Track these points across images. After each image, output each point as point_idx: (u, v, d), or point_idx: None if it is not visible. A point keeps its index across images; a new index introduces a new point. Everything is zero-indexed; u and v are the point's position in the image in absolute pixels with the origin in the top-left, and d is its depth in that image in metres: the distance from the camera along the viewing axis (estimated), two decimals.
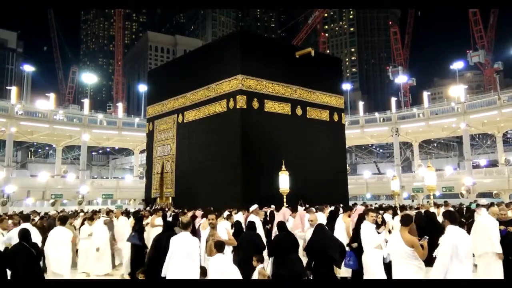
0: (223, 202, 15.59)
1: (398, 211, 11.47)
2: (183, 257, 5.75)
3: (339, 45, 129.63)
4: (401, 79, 63.92)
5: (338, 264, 6.69)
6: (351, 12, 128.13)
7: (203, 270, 5.93)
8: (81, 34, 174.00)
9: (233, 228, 8.48)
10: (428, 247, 5.31)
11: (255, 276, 6.21)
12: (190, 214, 13.40)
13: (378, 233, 7.01)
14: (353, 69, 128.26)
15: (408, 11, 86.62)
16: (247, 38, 21.20)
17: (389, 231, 8.50)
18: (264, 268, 6.52)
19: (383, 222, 8.12)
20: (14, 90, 35.87)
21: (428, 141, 46.02)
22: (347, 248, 7.19)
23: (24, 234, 6.20)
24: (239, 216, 11.70)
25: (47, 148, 51.42)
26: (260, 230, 9.65)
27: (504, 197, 32.32)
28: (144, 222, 10.85)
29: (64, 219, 8.37)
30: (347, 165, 28.05)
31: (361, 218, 7.42)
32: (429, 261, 5.37)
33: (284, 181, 15.47)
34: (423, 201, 34.15)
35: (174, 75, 23.87)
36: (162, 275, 5.84)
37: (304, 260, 7.05)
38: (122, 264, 10.81)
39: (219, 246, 5.86)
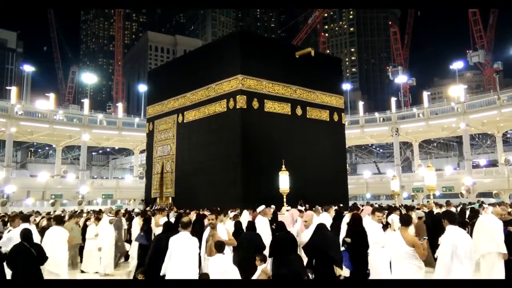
0: (223, 202, 15.60)
1: (403, 211, 11.42)
2: (182, 256, 5.76)
3: (339, 45, 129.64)
4: (401, 79, 63.93)
5: (339, 264, 6.69)
6: (351, 12, 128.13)
7: (205, 276, 5.91)
8: (81, 34, 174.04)
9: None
10: (432, 248, 5.31)
11: (258, 275, 6.22)
12: (193, 214, 13.42)
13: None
14: (353, 69, 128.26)
15: (408, 11, 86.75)
16: (247, 38, 21.21)
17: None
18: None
19: (387, 224, 8.12)
20: (14, 90, 35.86)
21: (428, 141, 46.04)
22: (342, 248, 7.15)
23: (26, 235, 6.20)
24: (245, 216, 11.71)
25: (47, 148, 51.40)
26: (267, 230, 9.64)
27: (504, 197, 32.33)
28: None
29: (59, 219, 8.41)
30: (347, 165, 28.06)
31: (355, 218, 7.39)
32: (429, 262, 5.37)
33: (284, 181, 15.49)
34: (423, 201, 34.17)
35: (174, 75, 23.88)
36: (162, 273, 5.85)
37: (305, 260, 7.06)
38: (127, 263, 10.86)
39: (219, 246, 5.86)
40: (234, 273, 5.58)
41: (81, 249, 11.37)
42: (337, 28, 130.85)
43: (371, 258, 6.78)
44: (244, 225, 8.85)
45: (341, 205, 15.34)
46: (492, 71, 65.65)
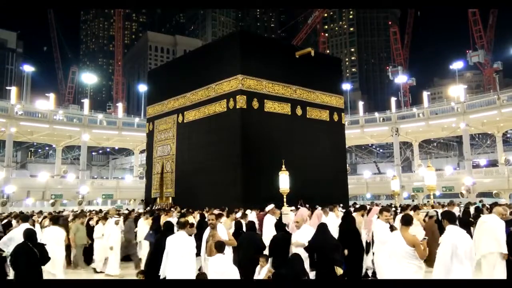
0: (223, 202, 15.60)
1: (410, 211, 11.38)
2: (179, 256, 5.77)
3: (339, 45, 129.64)
4: (401, 79, 63.92)
5: (339, 264, 6.69)
6: (351, 12, 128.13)
7: (203, 276, 5.91)
8: (81, 34, 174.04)
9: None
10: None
11: (264, 275, 6.22)
12: (197, 214, 13.42)
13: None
14: (353, 69, 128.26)
15: (408, 11, 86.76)
16: (247, 38, 21.20)
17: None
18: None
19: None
20: (14, 90, 35.86)
21: (428, 141, 46.04)
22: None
23: (29, 234, 6.19)
24: (252, 216, 11.74)
25: (47, 148, 51.40)
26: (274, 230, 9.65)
27: (504, 196, 32.33)
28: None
29: (56, 219, 8.44)
30: (347, 165, 28.05)
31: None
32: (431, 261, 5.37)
33: (284, 181, 15.47)
34: (423, 200, 34.18)
35: (174, 75, 23.87)
36: (161, 276, 5.85)
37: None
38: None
39: (219, 247, 5.86)
40: (234, 273, 5.59)
41: (85, 249, 11.43)
42: (337, 28, 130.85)
43: (376, 258, 6.76)
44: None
45: (341, 205, 15.35)
46: (492, 71, 65.63)
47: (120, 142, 43.05)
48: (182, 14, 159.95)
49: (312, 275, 6.46)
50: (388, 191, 31.14)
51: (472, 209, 13.66)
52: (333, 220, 9.90)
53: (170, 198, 22.11)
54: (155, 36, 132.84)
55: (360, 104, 45.51)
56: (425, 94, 41.91)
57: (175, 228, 6.81)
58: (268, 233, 9.23)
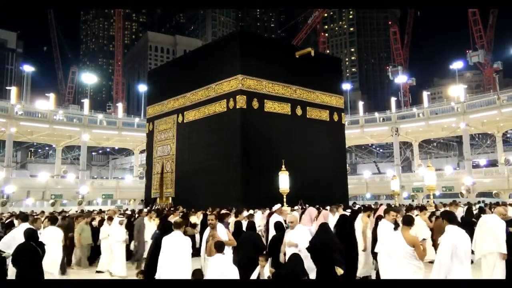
0: (223, 202, 15.61)
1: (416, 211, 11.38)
2: (175, 256, 5.80)
3: (339, 45, 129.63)
4: (401, 79, 63.91)
5: (339, 265, 6.68)
6: (351, 12, 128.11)
7: (199, 272, 5.92)
8: (81, 34, 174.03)
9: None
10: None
11: (267, 274, 6.22)
12: (200, 214, 13.42)
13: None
14: (353, 69, 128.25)
15: (407, 11, 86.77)
16: (247, 38, 21.23)
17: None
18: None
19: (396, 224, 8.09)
20: (14, 90, 35.84)
21: (428, 141, 46.03)
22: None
23: (31, 234, 6.21)
24: (259, 216, 11.75)
25: (47, 148, 51.39)
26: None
27: (504, 196, 32.33)
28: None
29: (54, 219, 8.44)
30: (347, 165, 28.07)
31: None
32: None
33: (284, 181, 15.47)
34: (423, 201, 34.17)
35: (174, 75, 23.89)
36: (156, 277, 5.88)
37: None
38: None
39: (219, 247, 5.86)
40: (233, 273, 5.59)
41: (91, 249, 11.47)
42: (337, 28, 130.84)
43: (380, 258, 6.75)
44: (257, 225, 8.83)
45: (341, 204, 15.32)
46: (492, 71, 65.62)
47: (120, 142, 43.04)
48: (182, 14, 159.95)
49: (312, 275, 6.46)
50: (388, 191, 31.13)
51: (476, 209, 13.66)
52: (333, 220, 9.89)
53: (170, 198, 22.12)
54: (155, 36, 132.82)
55: (360, 104, 45.50)
56: (425, 94, 41.91)
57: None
58: (274, 233, 9.25)
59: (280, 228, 7.25)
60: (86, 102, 40.26)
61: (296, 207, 13.98)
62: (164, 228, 7.07)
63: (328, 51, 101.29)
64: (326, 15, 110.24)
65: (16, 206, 35.80)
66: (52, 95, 38.82)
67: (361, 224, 8.73)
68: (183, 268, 5.84)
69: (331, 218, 9.65)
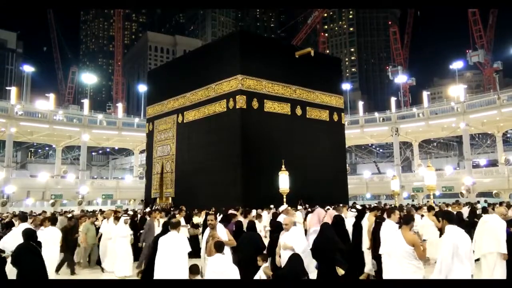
0: (223, 202, 15.60)
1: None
2: (171, 256, 5.81)
3: (339, 45, 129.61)
4: (401, 79, 63.90)
5: (340, 265, 6.68)
6: (351, 12, 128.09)
7: (195, 267, 5.92)
8: (80, 34, 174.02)
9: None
10: None
11: (260, 275, 6.22)
12: (203, 214, 13.39)
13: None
14: (353, 69, 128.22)
15: (407, 11, 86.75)
16: (247, 38, 21.23)
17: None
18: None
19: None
20: (13, 90, 35.84)
21: (428, 141, 46.01)
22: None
23: (30, 234, 6.21)
24: (265, 216, 11.76)
25: (47, 148, 51.37)
26: None
27: (504, 196, 32.31)
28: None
29: (54, 220, 8.45)
30: (347, 165, 28.07)
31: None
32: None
33: (284, 181, 15.49)
34: (423, 200, 34.17)
35: (174, 75, 23.89)
36: (155, 277, 5.89)
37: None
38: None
39: (219, 247, 5.86)
40: (233, 273, 5.59)
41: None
42: (336, 28, 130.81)
43: (384, 258, 6.74)
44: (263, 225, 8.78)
45: (341, 204, 15.32)
46: (492, 71, 65.60)
47: (120, 142, 43.04)
48: (182, 14, 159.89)
49: (312, 275, 6.46)
50: (388, 191, 31.13)
51: (479, 209, 13.65)
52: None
53: (170, 198, 22.12)
54: (155, 36, 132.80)
55: (360, 104, 45.48)
56: (425, 94, 41.90)
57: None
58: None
59: (280, 229, 7.25)
60: (86, 102, 40.25)
61: (299, 207, 13.97)
62: (163, 229, 7.08)
63: (328, 51, 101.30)
64: (326, 15, 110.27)
65: (16, 206, 35.81)
66: (52, 95, 38.82)
67: (368, 223, 8.71)
68: (180, 267, 5.85)
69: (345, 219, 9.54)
